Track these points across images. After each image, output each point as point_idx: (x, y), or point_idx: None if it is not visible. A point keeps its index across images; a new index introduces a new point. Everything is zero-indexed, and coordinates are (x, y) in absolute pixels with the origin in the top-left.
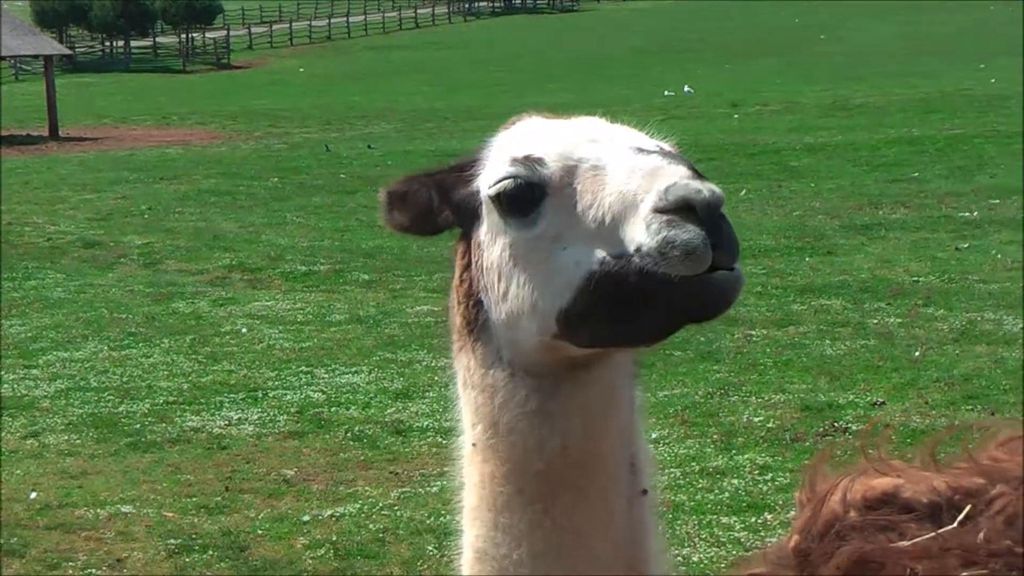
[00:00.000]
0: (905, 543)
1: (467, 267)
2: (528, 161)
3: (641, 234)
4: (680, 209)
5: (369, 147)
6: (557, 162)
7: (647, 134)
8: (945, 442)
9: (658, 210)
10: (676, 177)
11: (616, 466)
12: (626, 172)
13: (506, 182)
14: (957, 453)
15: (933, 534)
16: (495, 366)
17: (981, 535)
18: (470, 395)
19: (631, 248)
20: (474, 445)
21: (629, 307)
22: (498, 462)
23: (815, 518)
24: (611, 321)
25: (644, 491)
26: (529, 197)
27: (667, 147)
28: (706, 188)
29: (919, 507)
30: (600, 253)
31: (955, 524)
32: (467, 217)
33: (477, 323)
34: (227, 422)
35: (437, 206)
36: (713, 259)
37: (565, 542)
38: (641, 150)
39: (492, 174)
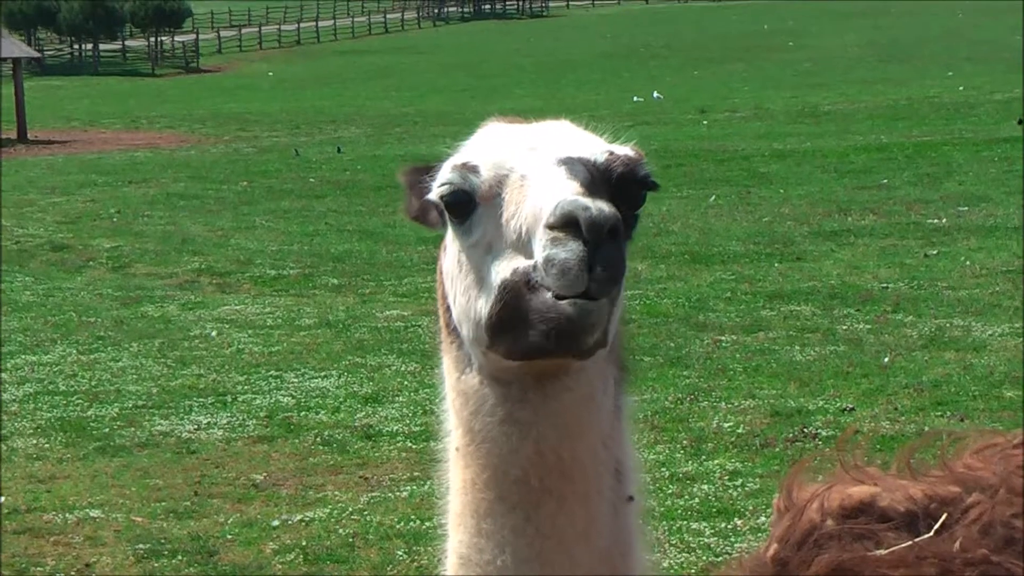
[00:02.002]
0: (882, 552)
1: (441, 270)
2: (464, 168)
3: (536, 248)
4: (567, 226)
5: (338, 151)
6: (490, 171)
7: (609, 138)
8: (919, 449)
9: (548, 226)
10: (567, 192)
11: (598, 473)
12: (542, 185)
13: (443, 188)
14: (931, 460)
15: (909, 543)
16: (467, 371)
17: (957, 544)
18: (450, 398)
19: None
20: (457, 449)
21: (523, 321)
22: (478, 468)
23: (793, 527)
24: (515, 334)
25: (630, 498)
26: (465, 204)
27: (622, 151)
28: (594, 206)
29: (896, 516)
30: (516, 264)
31: (931, 533)
32: (443, 219)
33: (450, 326)
34: (196, 426)
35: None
36: (588, 281)
37: (548, 549)
38: (564, 161)
39: (437, 179)
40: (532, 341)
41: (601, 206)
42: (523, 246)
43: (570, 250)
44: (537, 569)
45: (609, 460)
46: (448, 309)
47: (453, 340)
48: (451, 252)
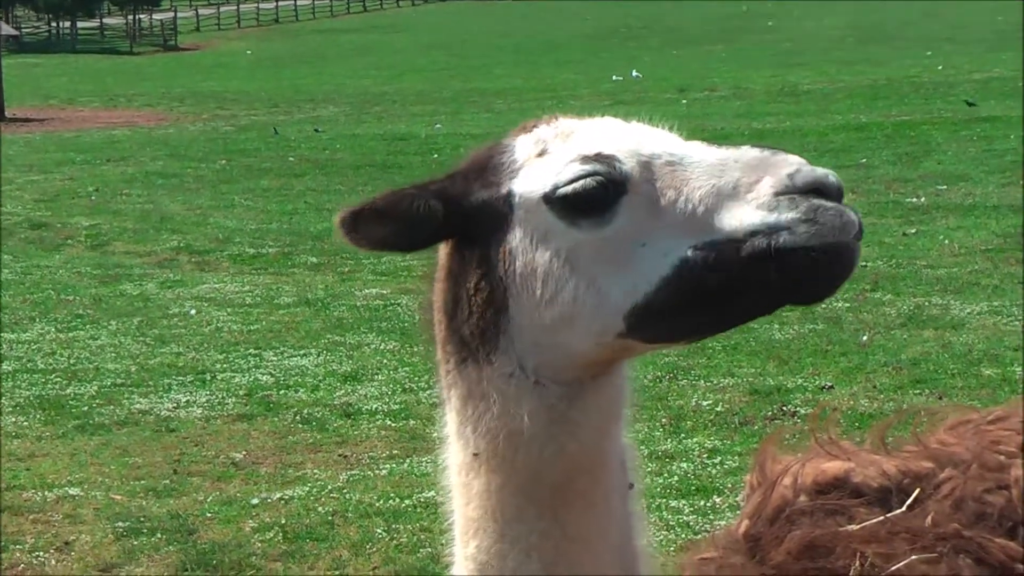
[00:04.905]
0: (854, 527)
1: (484, 276)
2: (602, 159)
3: (753, 216)
4: (807, 192)
5: (317, 130)
6: (631, 158)
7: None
8: (895, 426)
9: (781, 193)
10: (797, 164)
11: (615, 466)
12: (714, 164)
13: (585, 181)
14: (907, 437)
15: (882, 518)
16: (515, 375)
17: (929, 519)
18: (477, 406)
19: (739, 234)
20: (475, 455)
21: (726, 294)
22: (511, 472)
23: (765, 502)
24: (700, 310)
25: (631, 485)
26: (603, 196)
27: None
28: (831, 174)
29: (869, 491)
30: (687, 245)
31: (904, 508)
32: (485, 224)
33: (498, 332)
34: (175, 405)
35: (442, 216)
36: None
37: (572, 550)
38: (712, 143)
39: (561, 174)
40: (756, 303)
41: (834, 173)
42: (695, 227)
43: (828, 204)
44: (565, 571)
45: (619, 451)
46: (497, 314)
47: (497, 346)
48: (547, 251)
